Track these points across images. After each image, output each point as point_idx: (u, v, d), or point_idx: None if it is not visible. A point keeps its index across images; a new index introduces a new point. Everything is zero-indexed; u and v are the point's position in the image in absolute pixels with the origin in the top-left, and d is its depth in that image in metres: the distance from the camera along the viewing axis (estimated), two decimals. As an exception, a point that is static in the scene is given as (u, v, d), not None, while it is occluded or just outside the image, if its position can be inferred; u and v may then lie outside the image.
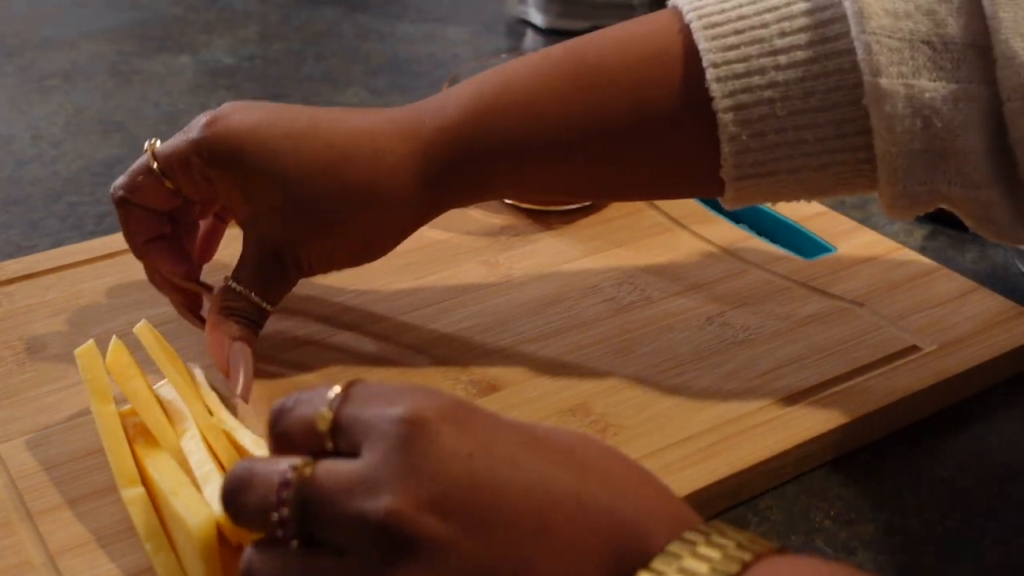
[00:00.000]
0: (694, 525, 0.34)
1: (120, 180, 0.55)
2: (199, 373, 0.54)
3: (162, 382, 0.52)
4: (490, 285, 0.63)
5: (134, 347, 0.53)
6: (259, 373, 0.55)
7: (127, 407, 0.50)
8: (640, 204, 0.71)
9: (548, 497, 0.33)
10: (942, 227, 0.73)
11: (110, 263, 0.65)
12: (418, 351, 0.57)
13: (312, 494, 0.34)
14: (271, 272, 0.54)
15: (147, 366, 0.52)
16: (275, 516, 0.34)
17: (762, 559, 0.33)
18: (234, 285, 0.53)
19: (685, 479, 0.49)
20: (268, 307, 0.54)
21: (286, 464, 0.35)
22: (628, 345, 0.58)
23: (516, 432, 0.35)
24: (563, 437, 0.36)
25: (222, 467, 0.46)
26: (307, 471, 0.34)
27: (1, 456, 0.50)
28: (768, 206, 0.70)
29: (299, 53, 1.02)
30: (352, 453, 0.34)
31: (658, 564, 0.32)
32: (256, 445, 0.46)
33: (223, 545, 0.43)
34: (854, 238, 0.67)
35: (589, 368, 0.56)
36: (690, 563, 0.32)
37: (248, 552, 0.36)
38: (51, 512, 0.47)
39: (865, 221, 0.71)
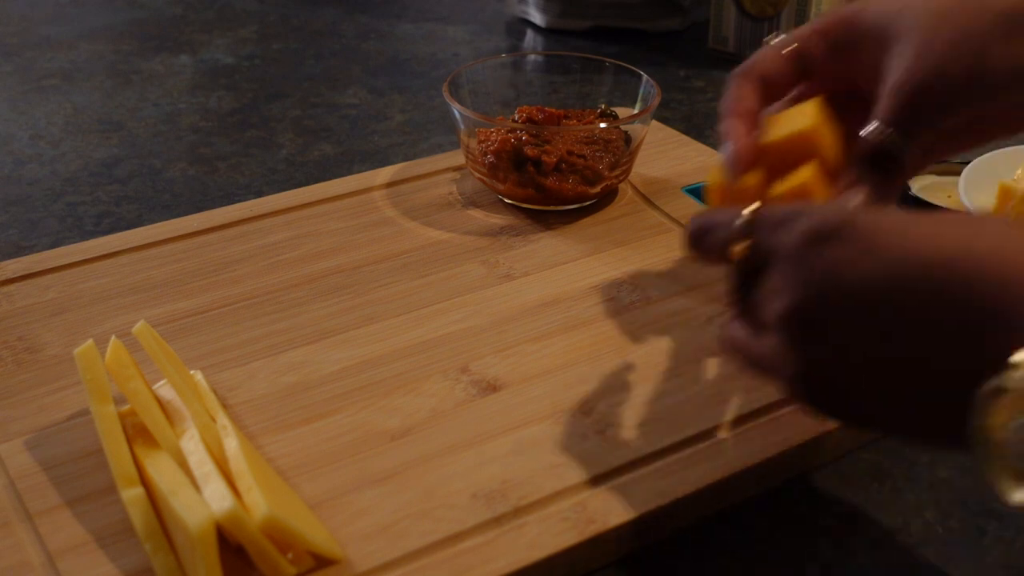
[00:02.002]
0: None
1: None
2: (198, 374, 0.54)
3: (161, 382, 0.52)
4: (490, 285, 0.63)
5: (134, 347, 0.53)
6: (262, 376, 0.56)
7: (127, 407, 0.50)
8: (640, 204, 0.71)
9: (916, 288, 0.39)
10: (942, 227, 0.73)
11: (110, 263, 0.65)
12: (418, 351, 0.57)
13: (759, 221, 0.45)
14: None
15: (146, 366, 0.52)
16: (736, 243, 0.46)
17: None
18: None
19: (685, 479, 0.49)
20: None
21: (739, 212, 0.46)
22: (628, 345, 0.58)
23: (899, 235, 0.41)
24: (947, 227, 0.40)
25: (221, 467, 0.46)
26: (755, 214, 0.45)
27: (1, 456, 0.50)
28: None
29: (299, 53, 1.02)
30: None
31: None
32: (241, 452, 0.46)
33: (223, 545, 0.43)
34: (854, 238, 0.67)
35: (589, 368, 0.56)
36: None
37: (727, 328, 0.47)
38: (50, 512, 0.47)
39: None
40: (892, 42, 0.52)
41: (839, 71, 0.56)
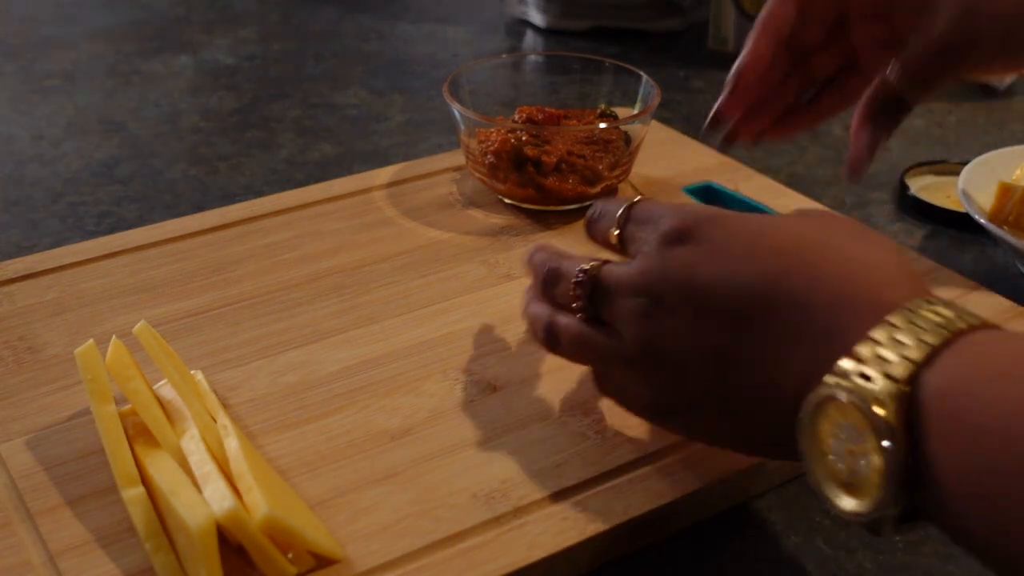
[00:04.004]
0: (902, 306, 0.38)
1: None
2: (199, 374, 0.54)
3: (162, 382, 0.52)
4: (490, 285, 0.63)
5: (134, 347, 0.53)
6: (262, 376, 0.56)
7: (127, 407, 0.50)
8: (640, 204, 0.71)
9: (752, 295, 0.41)
10: (942, 227, 0.73)
11: (110, 263, 0.65)
12: (418, 351, 0.57)
13: (598, 282, 0.46)
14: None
15: (147, 366, 0.53)
16: (574, 297, 0.47)
17: (966, 334, 0.36)
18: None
19: (685, 479, 0.49)
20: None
21: (581, 265, 0.47)
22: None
23: (746, 242, 0.43)
24: (787, 236, 0.43)
25: (222, 467, 0.46)
26: (595, 269, 0.47)
27: (1, 456, 0.50)
28: (768, 206, 0.70)
29: (299, 53, 1.02)
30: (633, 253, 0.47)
31: (859, 349, 0.37)
32: (241, 452, 0.47)
33: (223, 545, 0.43)
34: (854, 238, 0.67)
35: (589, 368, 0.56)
36: (884, 351, 0.36)
37: (553, 315, 0.49)
38: (51, 512, 0.47)
39: (866, 221, 0.71)
40: None
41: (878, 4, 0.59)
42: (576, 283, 0.47)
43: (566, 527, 0.46)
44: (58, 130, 0.86)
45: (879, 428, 0.36)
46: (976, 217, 0.65)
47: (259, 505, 0.43)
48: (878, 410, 0.36)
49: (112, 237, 0.67)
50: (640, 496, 0.48)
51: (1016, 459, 0.33)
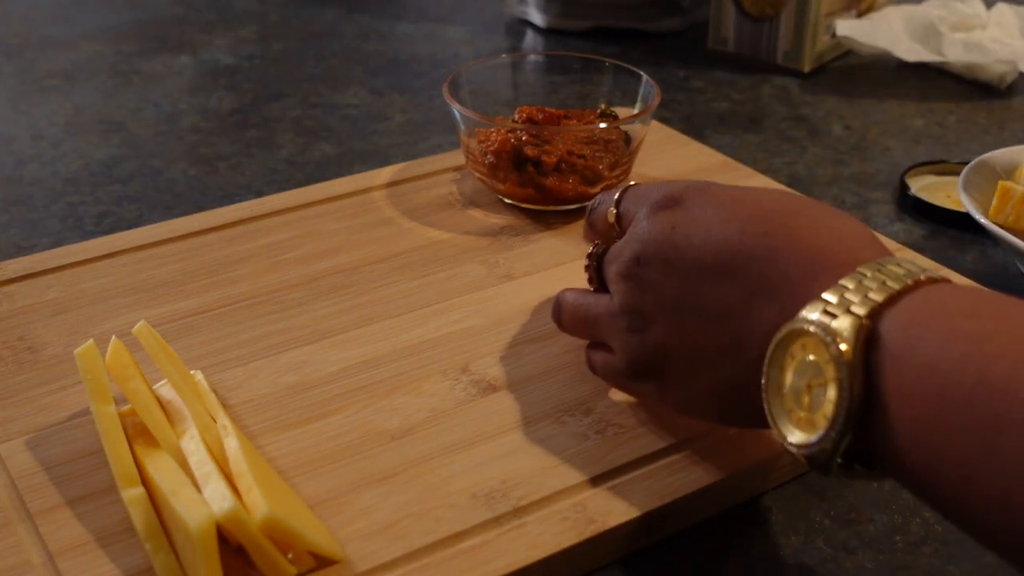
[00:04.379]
0: (870, 262, 0.40)
1: None
2: (199, 374, 0.54)
3: (162, 382, 0.52)
4: (490, 285, 0.63)
5: (134, 347, 0.53)
6: (262, 376, 0.56)
7: (127, 407, 0.50)
8: (640, 204, 0.71)
9: (729, 249, 0.44)
10: (942, 227, 0.73)
11: (110, 263, 0.65)
12: (418, 351, 0.57)
13: (603, 256, 0.52)
14: None
15: (147, 366, 0.53)
16: (588, 276, 0.53)
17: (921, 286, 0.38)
18: None
19: (685, 479, 0.49)
20: None
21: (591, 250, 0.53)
22: (628, 345, 0.58)
23: (728, 205, 0.46)
24: (766, 203, 0.45)
25: (222, 467, 0.46)
26: (600, 247, 0.52)
27: (1, 456, 0.50)
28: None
29: (299, 53, 1.02)
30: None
31: (827, 294, 0.39)
32: (241, 452, 0.47)
33: (223, 545, 0.43)
34: (854, 238, 0.67)
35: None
36: (850, 295, 0.39)
37: (563, 293, 0.55)
38: (51, 512, 0.47)
39: (866, 221, 0.71)
40: None
41: None
42: (587, 264, 0.52)
43: (566, 527, 0.46)
44: (58, 130, 0.86)
45: (837, 359, 0.37)
46: (976, 217, 0.65)
47: (259, 505, 0.43)
48: (839, 342, 0.38)
49: (112, 237, 0.67)
50: (640, 496, 0.48)
51: (963, 391, 0.34)
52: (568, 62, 0.79)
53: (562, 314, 0.55)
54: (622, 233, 0.52)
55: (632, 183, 0.53)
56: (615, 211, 0.52)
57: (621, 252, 0.49)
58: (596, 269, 0.52)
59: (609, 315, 0.50)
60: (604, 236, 0.54)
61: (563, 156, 0.68)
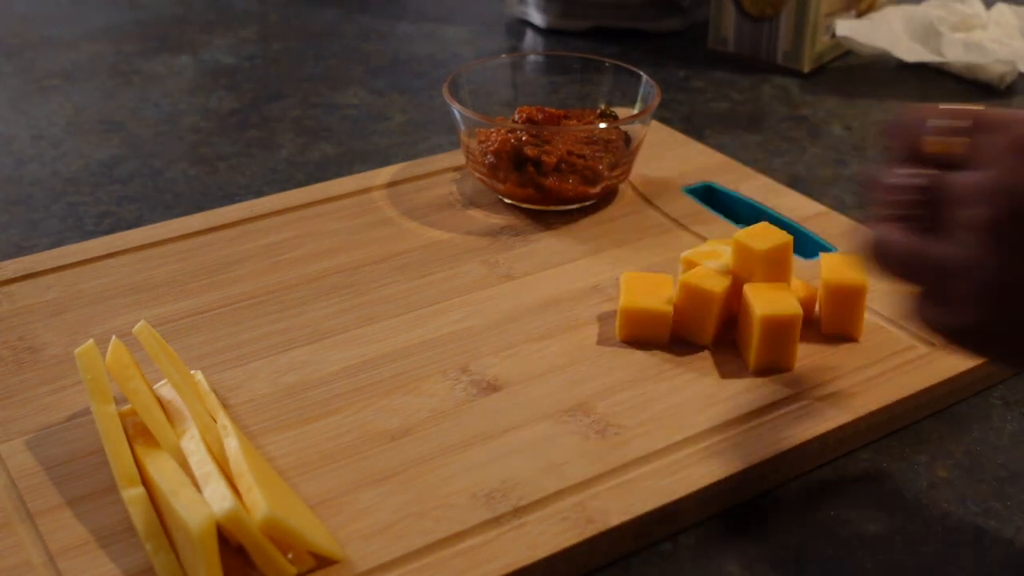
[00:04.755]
0: None
1: None
2: (199, 374, 0.54)
3: (162, 382, 0.52)
4: (490, 285, 0.63)
5: (134, 347, 0.53)
6: (262, 376, 0.56)
7: (127, 407, 0.50)
8: (640, 204, 0.71)
9: None
10: (942, 227, 0.73)
11: (110, 263, 0.65)
12: (418, 351, 0.57)
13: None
14: None
15: (147, 366, 0.53)
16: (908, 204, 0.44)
17: None
18: None
19: (685, 479, 0.49)
20: None
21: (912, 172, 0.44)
22: (628, 345, 0.58)
23: None
24: None
25: (222, 467, 0.46)
26: (935, 177, 0.43)
27: (1, 456, 0.50)
28: (768, 206, 0.70)
29: (299, 53, 1.02)
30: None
31: None
32: (241, 452, 0.47)
33: (223, 545, 0.43)
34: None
35: (589, 368, 0.56)
36: None
37: (878, 230, 0.46)
38: (51, 512, 0.47)
39: (866, 222, 0.71)
40: None
41: None
42: (912, 189, 0.44)
43: (566, 527, 0.46)
44: (58, 130, 0.86)
45: None
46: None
47: (259, 505, 0.43)
48: None
49: (112, 237, 0.67)
50: (640, 496, 0.48)
51: None
52: (568, 62, 0.79)
53: (889, 257, 0.46)
54: (967, 167, 0.43)
55: (978, 107, 0.44)
56: (966, 140, 0.43)
57: (990, 198, 0.41)
58: (928, 197, 0.44)
59: (966, 270, 0.42)
60: (923, 160, 0.45)
61: (563, 156, 0.68)
